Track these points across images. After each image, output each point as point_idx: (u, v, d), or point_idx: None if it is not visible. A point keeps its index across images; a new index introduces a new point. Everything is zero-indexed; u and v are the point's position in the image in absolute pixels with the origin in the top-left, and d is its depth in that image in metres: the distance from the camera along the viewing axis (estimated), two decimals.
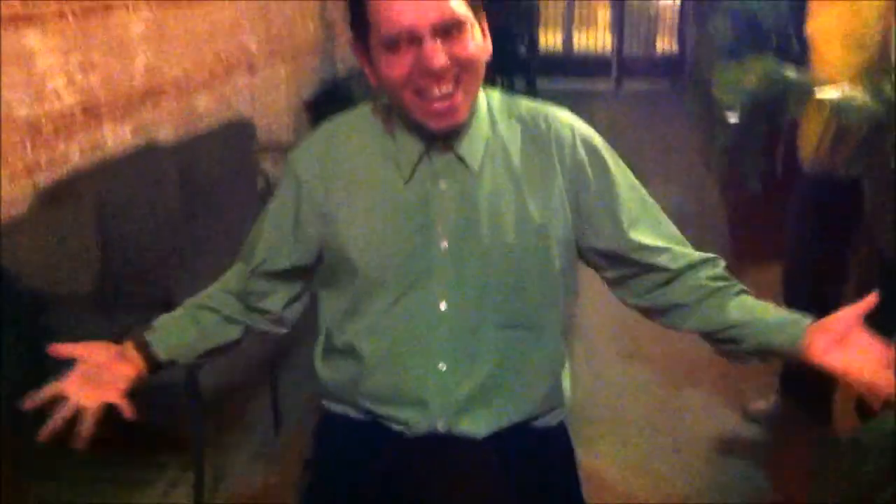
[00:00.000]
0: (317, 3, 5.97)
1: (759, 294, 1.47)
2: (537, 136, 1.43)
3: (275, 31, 5.26)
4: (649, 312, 1.53)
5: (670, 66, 11.12)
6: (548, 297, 1.45)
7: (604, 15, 12.14)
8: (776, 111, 2.99)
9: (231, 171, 4.13)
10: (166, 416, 2.64)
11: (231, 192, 4.10)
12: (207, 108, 4.36)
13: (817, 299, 2.85)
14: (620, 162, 1.48)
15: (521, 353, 1.44)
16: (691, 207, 5.21)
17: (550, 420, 1.53)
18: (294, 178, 1.48)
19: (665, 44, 12.30)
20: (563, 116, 1.47)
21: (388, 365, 1.43)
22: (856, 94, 2.10)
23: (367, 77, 1.39)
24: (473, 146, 1.39)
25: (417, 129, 1.37)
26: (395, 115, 1.41)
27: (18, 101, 3.00)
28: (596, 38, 11.83)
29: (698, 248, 1.51)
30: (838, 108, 2.13)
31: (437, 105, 1.31)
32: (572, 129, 1.45)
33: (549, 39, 11.84)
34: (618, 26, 10.47)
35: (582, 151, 1.44)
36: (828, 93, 2.14)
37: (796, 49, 4.03)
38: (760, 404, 3.28)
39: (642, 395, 3.50)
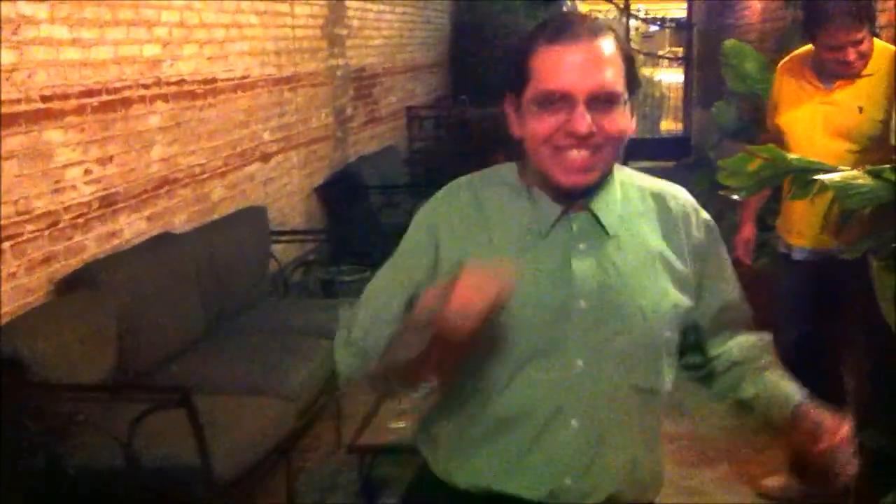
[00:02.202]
0: (329, 92, 6.11)
1: None
2: (668, 212, 1.48)
3: (287, 120, 5.38)
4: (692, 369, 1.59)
5: (675, 146, 11.27)
6: (671, 364, 1.47)
7: None
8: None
9: (245, 256, 4.19)
10: (180, 498, 2.63)
11: (245, 276, 4.15)
12: (222, 196, 4.44)
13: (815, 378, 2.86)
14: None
15: (647, 415, 1.46)
16: None
17: (649, 497, 1.54)
18: (427, 228, 1.47)
19: (670, 124, 12.51)
20: (687, 196, 1.53)
21: (516, 424, 1.41)
22: (858, 177, 2.14)
23: (510, 125, 1.43)
24: (609, 210, 1.43)
25: (554, 190, 1.40)
26: (531, 174, 1.44)
27: (37, 195, 3.07)
28: None
29: None
30: (840, 191, 2.17)
31: (574, 159, 1.35)
32: (696, 210, 1.51)
33: None
34: None
35: (704, 232, 1.50)
36: (830, 176, 2.18)
37: None
38: (774, 482, 3.25)
39: None
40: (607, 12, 14.43)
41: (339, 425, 3.70)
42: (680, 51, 13.23)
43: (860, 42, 2.72)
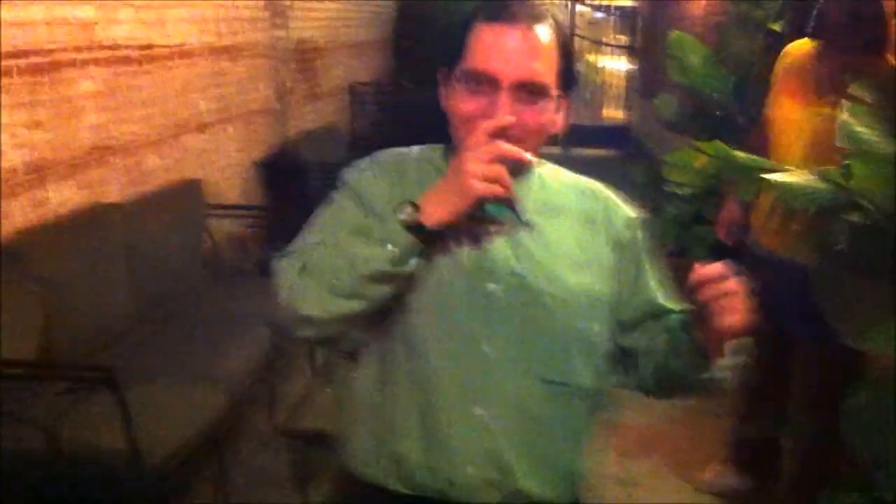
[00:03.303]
0: (269, 65, 5.97)
1: None
2: (588, 207, 1.45)
3: (225, 91, 5.23)
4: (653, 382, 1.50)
5: (616, 135, 11.34)
6: (589, 359, 1.42)
7: None
8: (724, 188, 3.05)
9: (179, 231, 4.07)
10: (106, 488, 2.54)
11: (179, 252, 4.03)
12: (155, 168, 4.30)
13: (762, 384, 2.89)
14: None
15: (559, 410, 1.40)
16: None
17: (568, 497, 1.48)
18: (354, 193, 1.42)
19: (611, 112, 12.59)
20: (608, 192, 1.50)
21: (427, 405, 1.36)
22: (803, 177, 2.14)
23: (439, 97, 1.39)
24: (525, 197, 1.38)
25: None
26: (450, 157, 1.38)
27: None
28: None
29: None
30: (785, 191, 2.17)
31: None
32: (617, 206, 1.48)
33: None
34: None
35: (626, 228, 1.46)
36: (776, 176, 2.18)
37: (740, 126, 4.16)
38: (711, 474, 3.29)
39: (590, 465, 3.46)
40: None
41: (273, 412, 3.63)
42: (624, 39, 13.32)
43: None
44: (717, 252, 2.82)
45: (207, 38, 4.94)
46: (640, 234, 1.49)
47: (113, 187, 3.89)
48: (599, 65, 13.00)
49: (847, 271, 2.12)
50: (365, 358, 1.41)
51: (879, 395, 2.14)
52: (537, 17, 1.32)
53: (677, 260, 3.50)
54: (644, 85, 10.43)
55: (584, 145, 10.12)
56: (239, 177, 5.49)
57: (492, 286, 1.35)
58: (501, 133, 1.27)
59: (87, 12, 3.66)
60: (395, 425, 1.38)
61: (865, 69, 2.44)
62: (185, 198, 4.30)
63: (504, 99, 1.28)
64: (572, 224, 1.43)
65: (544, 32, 1.32)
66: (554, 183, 1.46)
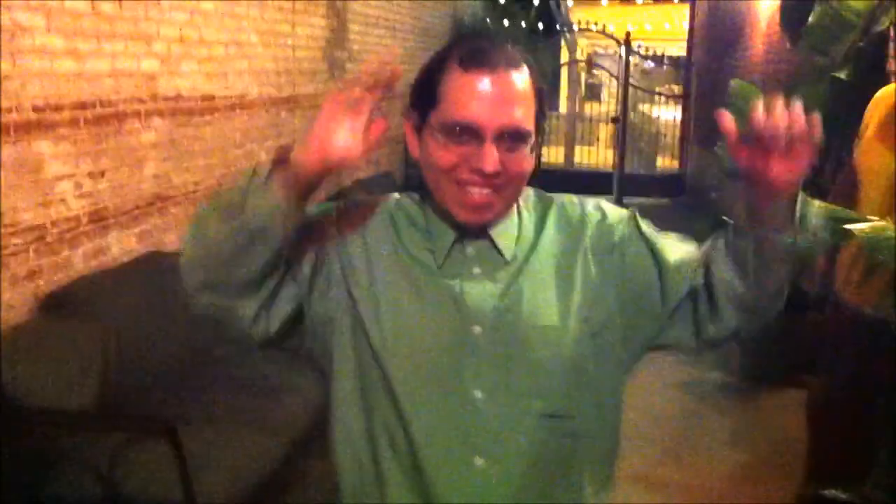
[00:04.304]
0: None
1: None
2: (570, 226, 1.38)
3: (284, 141, 5.28)
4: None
5: (671, 184, 11.24)
6: (588, 387, 1.34)
7: (605, 133, 12.35)
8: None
9: None
10: None
11: None
12: None
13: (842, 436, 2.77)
14: (648, 223, 1.42)
15: (564, 445, 1.33)
16: None
17: None
18: (334, 227, 1.36)
19: (665, 161, 12.49)
20: (583, 200, 1.43)
21: (419, 461, 1.30)
22: (887, 229, 2.05)
23: (408, 146, 1.35)
24: (507, 233, 1.34)
25: (450, 218, 1.31)
26: (428, 205, 1.35)
27: (25, 207, 2.96)
28: (598, 154, 12.01)
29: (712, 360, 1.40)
30: (867, 242, 2.08)
31: (474, 197, 1.26)
32: (599, 209, 1.40)
33: (552, 155, 12.02)
34: (619, 144, 10.62)
35: (619, 228, 1.38)
36: (859, 226, 2.09)
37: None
38: None
39: None
40: (607, 47, 14.52)
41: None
42: (677, 88, 13.27)
43: None
44: (793, 302, 2.72)
45: (267, 89, 5.01)
46: (637, 225, 1.39)
47: (172, 235, 3.92)
48: (653, 115, 12.95)
49: None
50: (349, 411, 1.36)
51: None
52: (514, 62, 1.27)
53: None
54: (700, 134, 10.35)
55: (638, 194, 10.04)
56: None
57: (476, 329, 1.30)
58: (488, 180, 1.24)
59: (151, 65, 3.73)
60: (388, 481, 1.32)
61: None
62: None
63: (489, 149, 1.23)
64: (554, 246, 1.36)
65: (522, 78, 1.27)
66: (530, 208, 1.39)
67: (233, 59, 4.54)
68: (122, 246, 3.55)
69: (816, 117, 1.15)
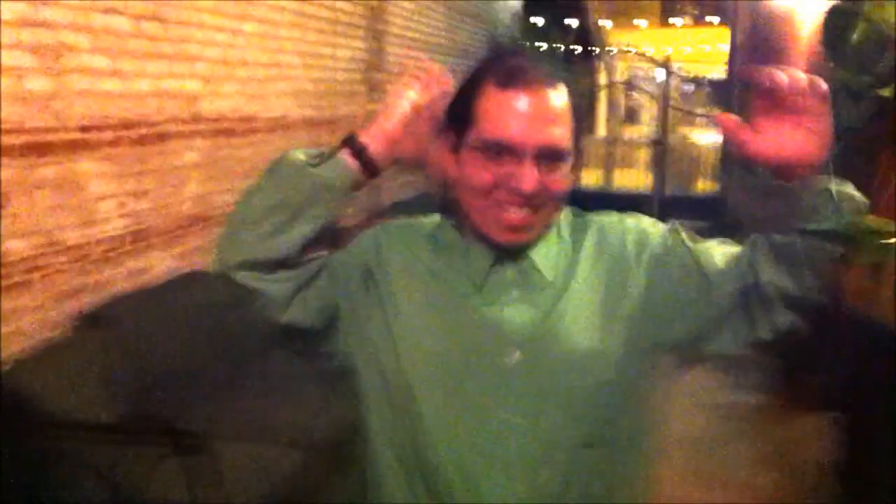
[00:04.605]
0: None
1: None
2: (610, 243, 1.35)
3: None
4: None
5: (711, 206, 11.12)
6: (629, 412, 1.32)
7: (644, 155, 12.29)
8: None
9: None
10: None
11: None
12: None
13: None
14: (690, 233, 1.37)
15: (602, 473, 1.30)
16: None
17: None
18: (363, 256, 1.38)
19: (706, 184, 12.38)
20: (623, 217, 1.39)
21: (450, 486, 1.27)
22: None
23: (442, 164, 1.32)
24: (548, 254, 1.31)
25: (487, 240, 1.29)
26: (467, 227, 1.32)
27: (69, 226, 3.00)
28: (637, 177, 11.94)
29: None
30: None
31: (512, 217, 1.24)
32: (642, 226, 1.37)
33: (591, 177, 11.97)
34: (659, 166, 10.56)
35: (662, 242, 1.34)
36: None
37: None
38: None
39: None
40: (647, 70, 14.48)
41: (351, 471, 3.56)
42: (717, 111, 13.17)
43: None
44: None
45: (307, 111, 5.05)
46: (679, 236, 1.34)
47: (212, 256, 3.95)
48: (693, 137, 12.87)
49: None
50: (378, 441, 1.36)
51: None
52: (552, 80, 1.25)
53: None
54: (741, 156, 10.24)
55: (678, 217, 9.93)
56: None
57: (517, 354, 1.27)
58: (527, 200, 1.22)
59: (193, 86, 3.79)
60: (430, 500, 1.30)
61: None
62: None
63: (528, 168, 1.21)
64: (595, 266, 1.32)
65: (561, 95, 1.25)
66: (570, 228, 1.36)
67: (274, 81, 4.59)
68: (164, 265, 3.58)
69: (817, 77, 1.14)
